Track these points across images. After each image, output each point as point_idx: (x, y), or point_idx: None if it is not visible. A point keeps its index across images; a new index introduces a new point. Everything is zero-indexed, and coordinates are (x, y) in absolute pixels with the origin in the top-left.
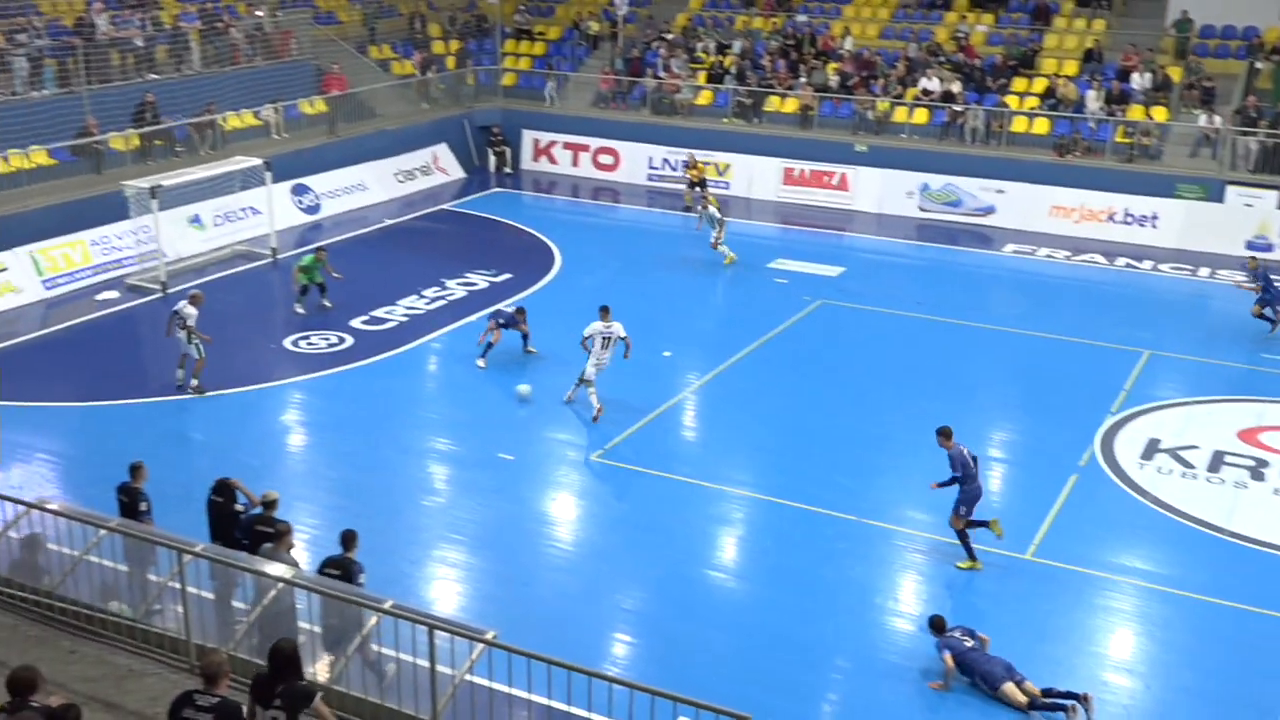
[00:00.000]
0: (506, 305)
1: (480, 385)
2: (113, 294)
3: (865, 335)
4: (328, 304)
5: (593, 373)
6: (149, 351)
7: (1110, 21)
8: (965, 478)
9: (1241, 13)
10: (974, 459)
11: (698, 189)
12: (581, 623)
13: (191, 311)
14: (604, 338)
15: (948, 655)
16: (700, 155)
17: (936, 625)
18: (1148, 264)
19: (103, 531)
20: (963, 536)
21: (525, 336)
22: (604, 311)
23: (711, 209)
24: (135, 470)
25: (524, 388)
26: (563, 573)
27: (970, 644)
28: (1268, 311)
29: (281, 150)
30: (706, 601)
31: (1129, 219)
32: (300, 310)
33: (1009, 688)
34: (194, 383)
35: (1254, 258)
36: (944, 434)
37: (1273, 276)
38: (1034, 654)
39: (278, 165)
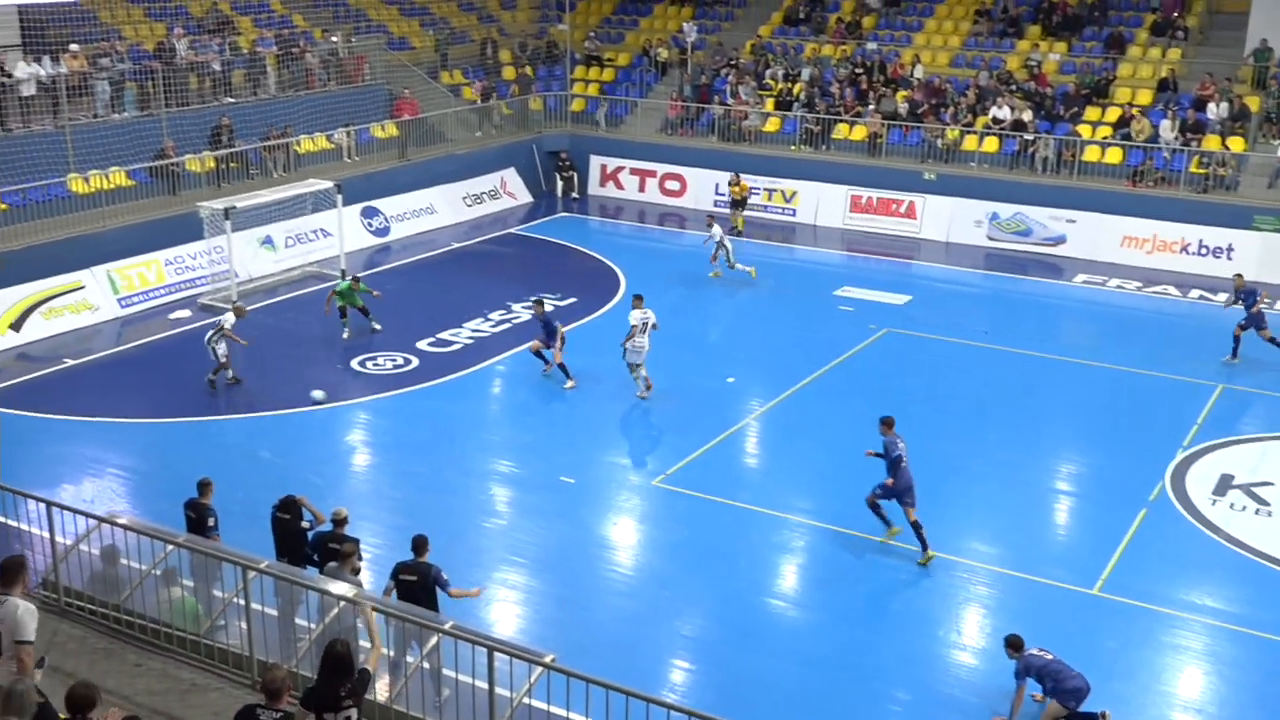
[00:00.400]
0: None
1: (543, 408)
2: (185, 313)
3: (931, 364)
4: (377, 326)
5: (635, 357)
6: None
7: (1186, 50)
8: (894, 465)
9: None
10: (903, 452)
11: (738, 208)
12: (640, 648)
13: (230, 318)
14: (643, 324)
15: (1023, 686)
16: (752, 179)
17: (1014, 644)
18: (1223, 296)
19: (170, 547)
20: (875, 508)
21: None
22: (638, 300)
23: (718, 230)
24: (203, 487)
25: (319, 393)
26: (623, 597)
27: (1050, 656)
28: (1249, 333)
29: (353, 173)
30: (766, 629)
31: (1203, 250)
32: (346, 335)
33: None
34: (210, 377)
35: (1240, 275)
36: (886, 423)
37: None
38: (1101, 691)
39: (349, 188)
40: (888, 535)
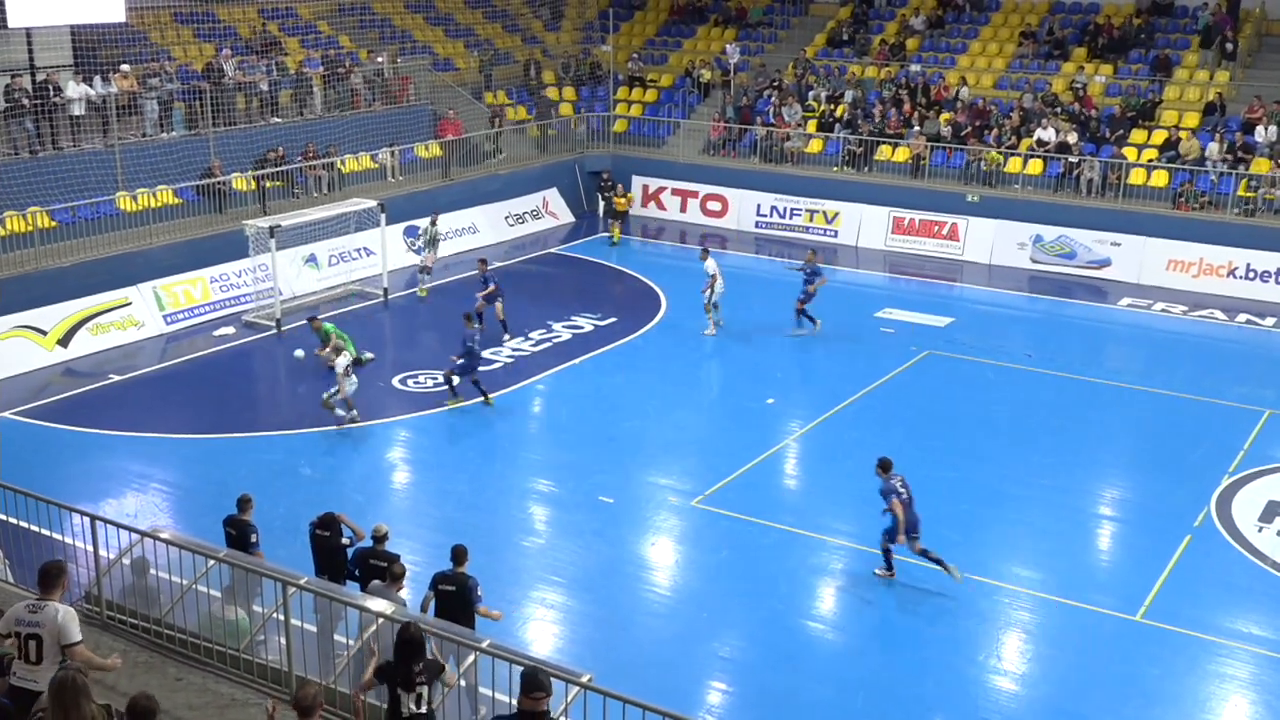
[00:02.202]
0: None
1: (582, 427)
2: (229, 330)
3: (974, 387)
4: (369, 355)
5: (718, 299)
6: (262, 387)
7: (1234, 73)
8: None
9: None
10: (906, 489)
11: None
12: (678, 669)
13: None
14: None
15: (896, 503)
16: (794, 201)
17: (884, 465)
18: (1270, 321)
19: (211, 562)
20: (924, 554)
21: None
22: (705, 252)
23: (712, 265)
24: (243, 504)
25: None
26: (660, 618)
27: (905, 493)
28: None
29: (396, 193)
30: (804, 652)
31: (1251, 274)
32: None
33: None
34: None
35: (813, 251)
36: (882, 466)
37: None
38: (1143, 718)
39: (392, 207)
40: (955, 576)
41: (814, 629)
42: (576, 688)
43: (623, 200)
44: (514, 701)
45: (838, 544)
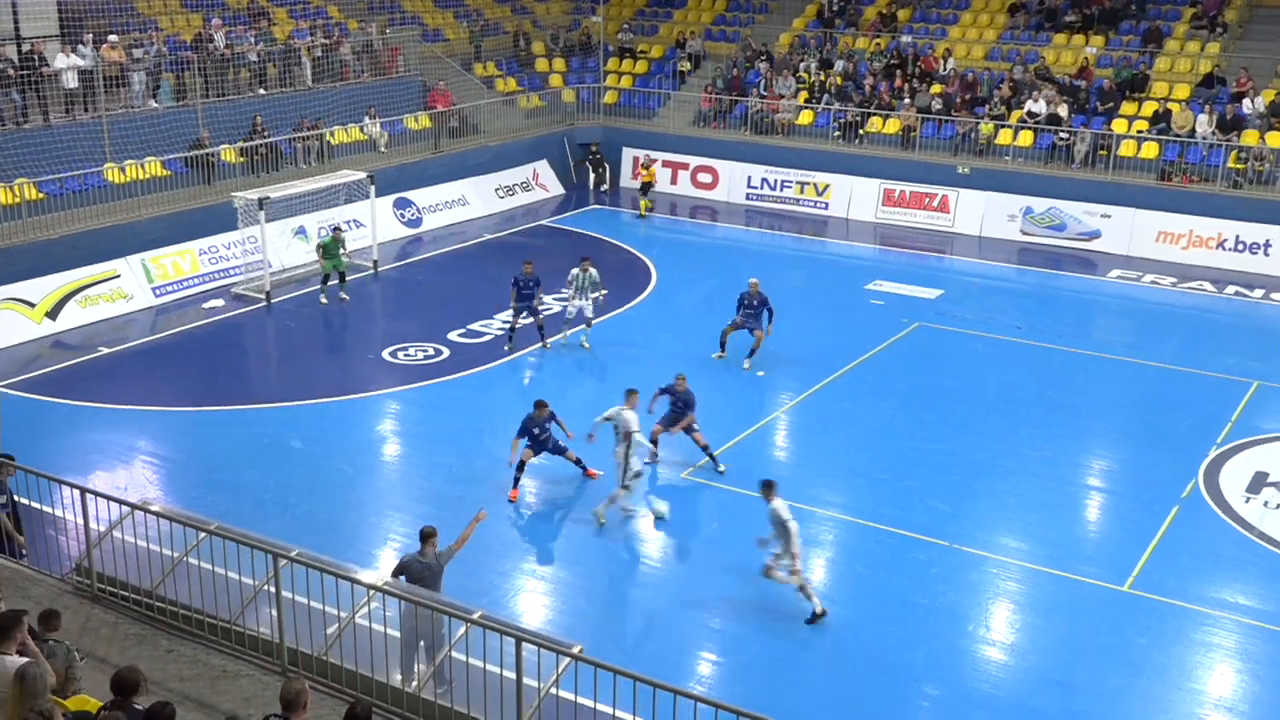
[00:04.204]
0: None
1: (573, 399)
2: (219, 302)
3: (964, 359)
4: (345, 296)
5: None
6: (252, 360)
7: (1225, 45)
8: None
9: None
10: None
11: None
12: (669, 640)
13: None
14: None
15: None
16: (801, 176)
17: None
18: (1259, 292)
19: (202, 534)
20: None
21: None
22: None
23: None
24: None
25: (662, 505)
26: (651, 589)
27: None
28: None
29: (386, 165)
30: (796, 623)
31: (1240, 246)
32: (324, 300)
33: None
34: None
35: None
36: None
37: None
38: (1129, 688)
39: (381, 179)
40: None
41: (803, 600)
42: (567, 659)
43: (647, 172)
44: (504, 673)
45: (827, 515)
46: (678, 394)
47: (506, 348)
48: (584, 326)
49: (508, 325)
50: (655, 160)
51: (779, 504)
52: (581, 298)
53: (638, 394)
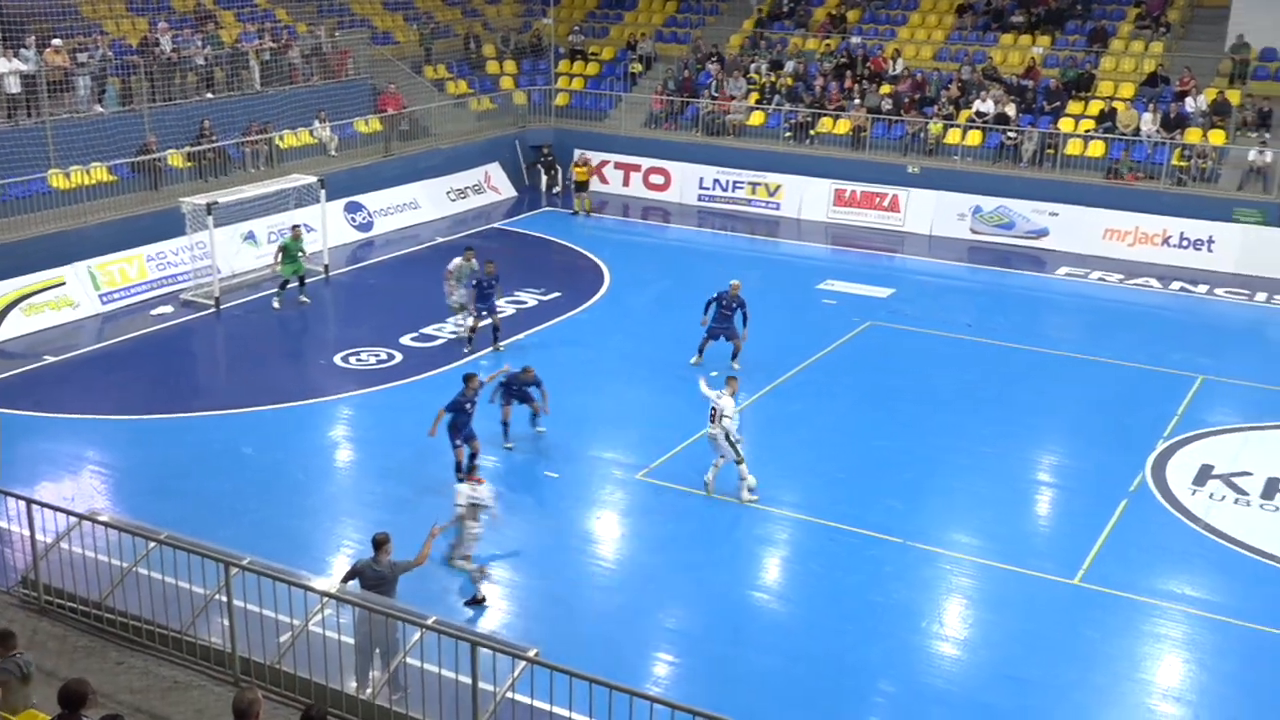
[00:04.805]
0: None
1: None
2: (167, 309)
3: (915, 357)
4: (305, 299)
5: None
6: (202, 366)
7: (1169, 44)
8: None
9: None
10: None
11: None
12: (624, 642)
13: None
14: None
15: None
16: (752, 177)
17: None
18: (1203, 288)
19: (152, 544)
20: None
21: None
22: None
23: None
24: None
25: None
26: (606, 591)
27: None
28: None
29: (336, 168)
30: (751, 623)
31: (1184, 243)
32: (277, 305)
33: None
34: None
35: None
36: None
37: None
38: (1080, 680)
39: (332, 183)
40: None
41: (759, 599)
42: (523, 662)
43: (582, 170)
44: (459, 678)
45: (782, 514)
46: (525, 382)
47: (466, 350)
48: (464, 312)
49: (465, 327)
50: (590, 160)
51: (463, 488)
52: (464, 287)
53: (737, 380)
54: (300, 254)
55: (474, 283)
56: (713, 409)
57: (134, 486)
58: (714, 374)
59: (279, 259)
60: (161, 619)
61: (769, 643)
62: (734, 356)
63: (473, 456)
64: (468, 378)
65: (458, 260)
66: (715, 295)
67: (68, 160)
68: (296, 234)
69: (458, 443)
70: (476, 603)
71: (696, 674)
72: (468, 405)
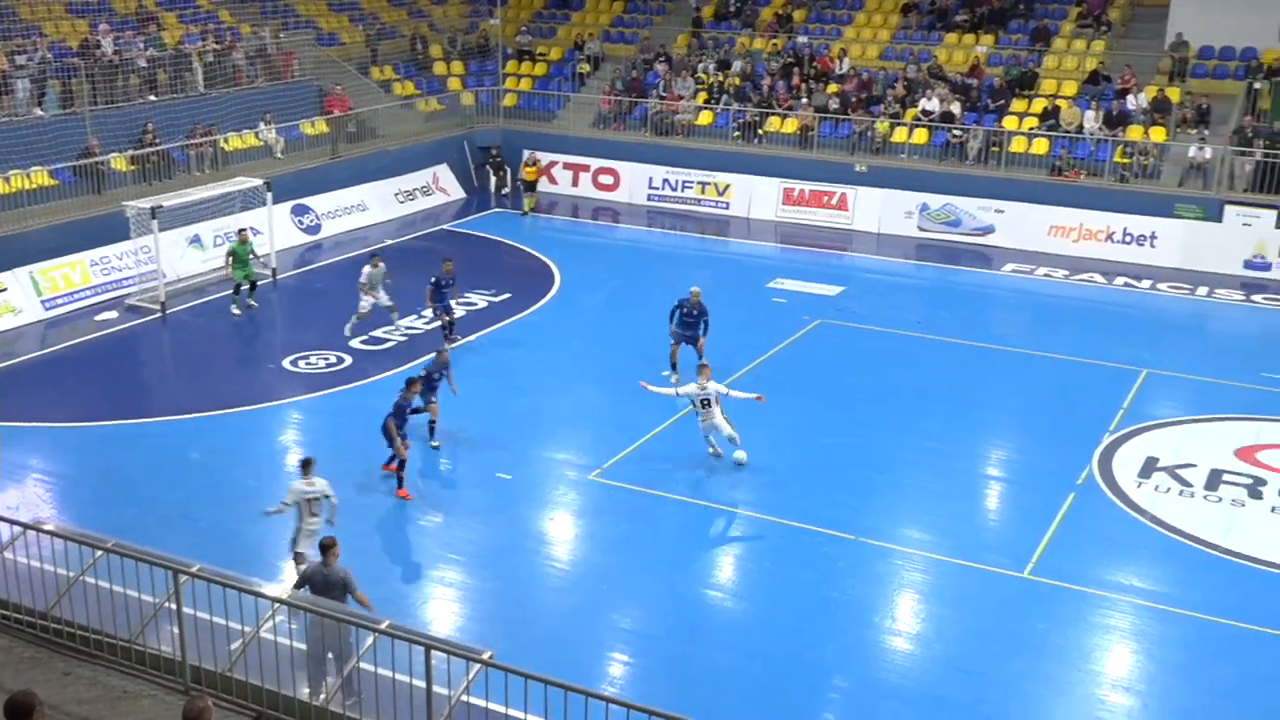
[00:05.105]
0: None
1: (478, 405)
2: (112, 314)
3: (865, 355)
4: (253, 303)
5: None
6: (149, 372)
7: (1110, 43)
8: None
9: (1239, 34)
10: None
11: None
12: (579, 643)
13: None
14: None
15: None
16: (702, 176)
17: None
18: (1146, 283)
19: (99, 552)
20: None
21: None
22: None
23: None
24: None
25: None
26: (561, 592)
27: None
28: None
29: (282, 171)
30: (705, 621)
31: (1128, 238)
32: (236, 311)
33: None
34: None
35: (449, 260)
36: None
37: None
38: (1031, 671)
39: (278, 186)
40: None
41: (714, 598)
42: (478, 665)
43: (532, 169)
44: (414, 682)
45: (734, 512)
46: (442, 365)
47: (454, 339)
48: (394, 314)
49: (443, 323)
50: (540, 159)
51: (297, 484)
52: (376, 294)
53: (709, 367)
54: (251, 256)
55: (433, 281)
56: (704, 399)
57: (80, 494)
58: (665, 373)
59: (230, 264)
60: (110, 628)
61: (724, 641)
62: (700, 355)
63: (401, 464)
64: (410, 381)
65: (367, 268)
66: (677, 303)
67: (7, 164)
68: (243, 238)
69: (403, 436)
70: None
71: (652, 673)
72: (408, 410)
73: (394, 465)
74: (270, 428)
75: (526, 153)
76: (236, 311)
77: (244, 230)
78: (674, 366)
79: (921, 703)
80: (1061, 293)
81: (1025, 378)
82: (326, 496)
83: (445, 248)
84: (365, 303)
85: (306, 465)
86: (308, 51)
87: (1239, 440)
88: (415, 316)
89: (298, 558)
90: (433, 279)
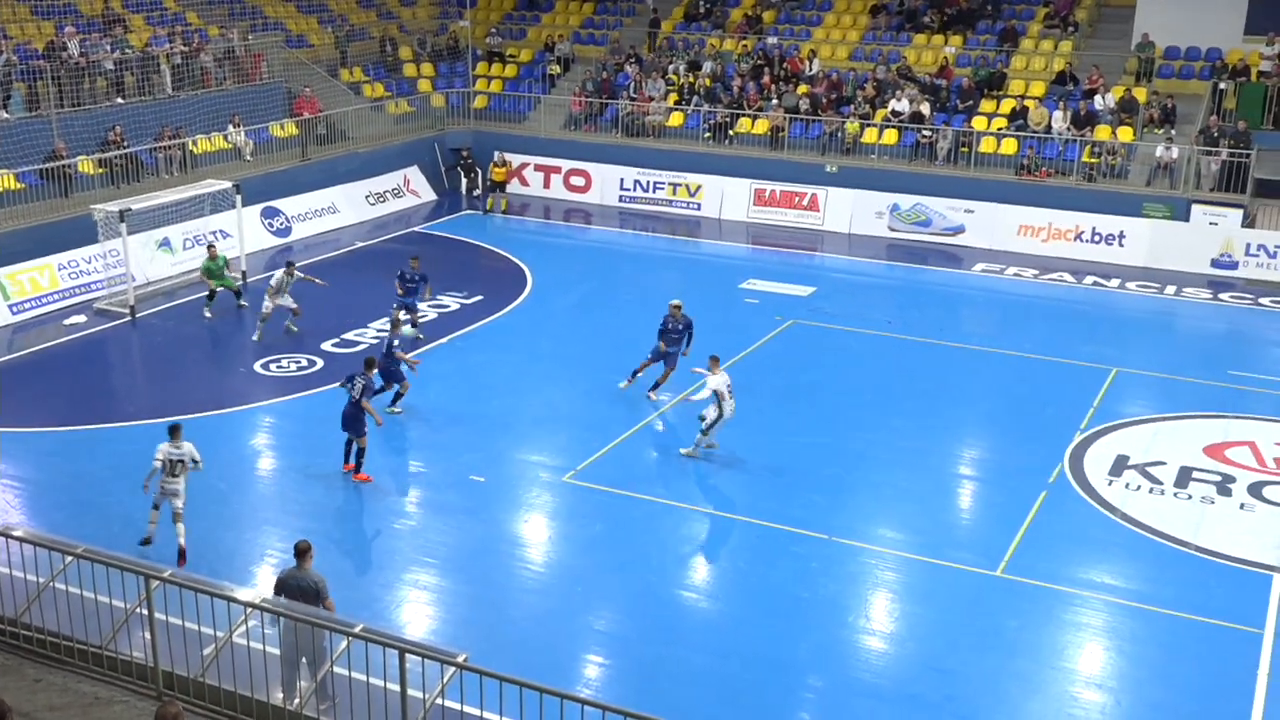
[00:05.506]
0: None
1: (451, 407)
2: (80, 318)
3: (837, 355)
4: (243, 304)
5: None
6: (116, 376)
7: (1078, 43)
8: None
9: (1204, 35)
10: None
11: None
12: (554, 644)
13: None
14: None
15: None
16: (673, 178)
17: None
18: (1115, 282)
19: (69, 558)
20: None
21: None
22: (714, 362)
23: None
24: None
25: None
26: (535, 594)
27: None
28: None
29: (252, 173)
30: (680, 622)
31: (1096, 238)
32: (208, 314)
33: None
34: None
35: (415, 258)
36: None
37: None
38: (1004, 669)
39: (248, 188)
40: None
41: (688, 598)
42: (453, 668)
43: (501, 170)
44: (388, 685)
45: (708, 513)
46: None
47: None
48: (294, 314)
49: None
50: (510, 160)
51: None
52: (280, 298)
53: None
54: (225, 269)
55: (399, 274)
56: (730, 387)
57: (49, 500)
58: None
59: (205, 276)
60: (80, 634)
61: (699, 641)
62: (656, 386)
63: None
64: (368, 361)
65: (280, 273)
66: (661, 320)
67: None
68: (212, 254)
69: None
70: (145, 542)
71: (627, 675)
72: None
73: (353, 465)
74: (241, 431)
75: (496, 154)
76: (208, 315)
77: (212, 246)
78: (634, 375)
79: (895, 701)
80: (1031, 292)
81: (996, 377)
82: (194, 460)
83: (416, 249)
84: (268, 305)
85: (174, 431)
86: (276, 53)
87: (1208, 438)
88: (387, 319)
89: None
90: (399, 273)
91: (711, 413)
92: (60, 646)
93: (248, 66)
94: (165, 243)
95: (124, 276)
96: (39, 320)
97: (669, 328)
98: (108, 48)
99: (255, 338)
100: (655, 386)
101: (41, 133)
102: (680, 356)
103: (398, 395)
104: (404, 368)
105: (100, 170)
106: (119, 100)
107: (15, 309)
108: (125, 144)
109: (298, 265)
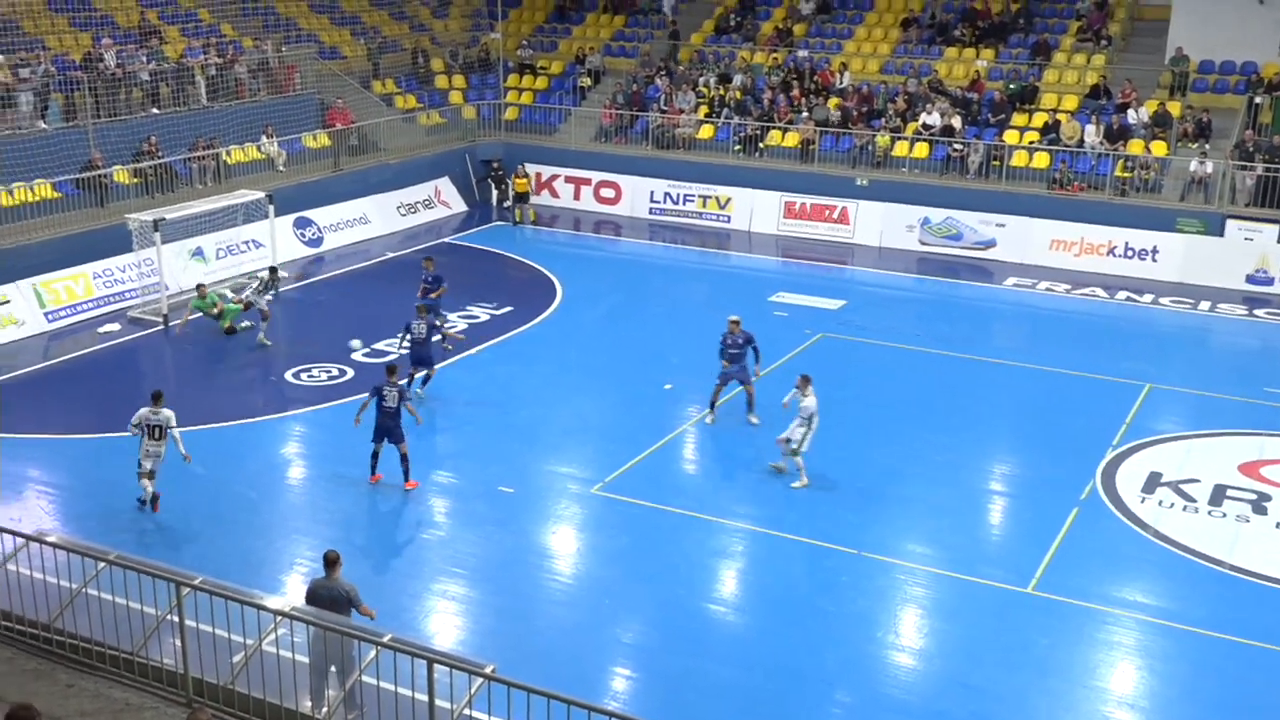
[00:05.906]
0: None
1: (479, 417)
2: (114, 326)
3: (867, 368)
4: (249, 324)
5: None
6: (150, 384)
7: (1111, 57)
8: None
9: (1239, 49)
10: None
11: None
12: (581, 656)
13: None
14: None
15: None
16: (703, 190)
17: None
18: (1148, 297)
19: (102, 565)
20: None
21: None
22: (804, 381)
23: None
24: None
25: (356, 342)
26: (563, 606)
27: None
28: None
29: (285, 184)
30: (707, 635)
31: (1129, 253)
32: (266, 341)
33: None
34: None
35: (429, 259)
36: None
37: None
38: (1035, 688)
39: (281, 198)
40: None
41: (715, 611)
42: (480, 679)
43: (523, 181)
44: (416, 695)
45: (736, 526)
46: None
47: (448, 347)
48: (263, 321)
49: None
50: (529, 172)
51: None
52: (260, 298)
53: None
54: (215, 311)
55: (424, 278)
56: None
57: (83, 507)
58: (698, 411)
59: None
60: (112, 640)
61: (726, 654)
62: (749, 408)
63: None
64: (389, 368)
65: (264, 274)
66: (720, 337)
67: (11, 177)
68: (201, 293)
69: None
70: (143, 503)
71: (654, 687)
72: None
73: (380, 476)
74: (272, 440)
75: (519, 166)
76: (266, 342)
77: (200, 286)
78: (712, 406)
79: (923, 717)
80: (1063, 307)
81: (1027, 392)
82: (171, 427)
83: (447, 260)
84: (263, 304)
85: (157, 397)
86: (309, 65)
87: (1243, 455)
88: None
89: (141, 471)
90: (425, 277)
91: (798, 433)
92: (92, 652)
93: (281, 78)
94: (198, 252)
95: (158, 285)
96: (74, 328)
97: (728, 344)
98: (144, 59)
99: (260, 338)
100: (749, 409)
101: (78, 143)
102: (753, 376)
103: (427, 378)
104: (434, 351)
105: (135, 180)
106: (154, 111)
107: (51, 316)
108: (160, 154)
109: (328, 276)
